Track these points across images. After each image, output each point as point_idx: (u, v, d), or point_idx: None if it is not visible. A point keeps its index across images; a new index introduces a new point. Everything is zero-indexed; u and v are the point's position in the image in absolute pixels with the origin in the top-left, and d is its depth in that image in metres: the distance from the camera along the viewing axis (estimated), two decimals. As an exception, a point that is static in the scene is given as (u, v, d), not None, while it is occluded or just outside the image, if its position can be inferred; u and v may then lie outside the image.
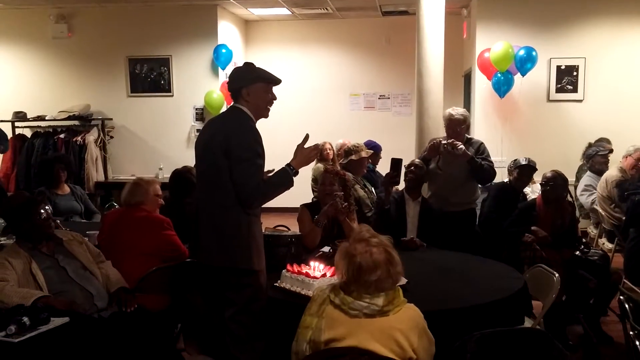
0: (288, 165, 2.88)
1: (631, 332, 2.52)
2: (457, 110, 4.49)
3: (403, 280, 2.83)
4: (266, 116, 2.95)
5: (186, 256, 3.65)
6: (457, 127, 4.41)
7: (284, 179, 2.86)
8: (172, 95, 8.37)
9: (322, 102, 9.32)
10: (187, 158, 6.92)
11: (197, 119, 8.35)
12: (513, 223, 4.39)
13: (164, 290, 3.47)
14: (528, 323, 3.12)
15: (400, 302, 2.24)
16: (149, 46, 8.32)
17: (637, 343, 2.42)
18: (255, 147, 2.79)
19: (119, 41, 8.33)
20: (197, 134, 8.29)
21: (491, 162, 4.48)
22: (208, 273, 2.93)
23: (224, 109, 8.29)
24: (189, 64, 8.31)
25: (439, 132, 6.08)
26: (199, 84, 8.28)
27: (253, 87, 2.86)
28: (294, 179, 2.88)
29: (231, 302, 2.85)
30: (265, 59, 9.32)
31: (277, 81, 2.91)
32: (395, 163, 4.19)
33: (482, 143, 4.54)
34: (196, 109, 8.34)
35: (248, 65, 2.98)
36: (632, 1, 7.21)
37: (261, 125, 2.92)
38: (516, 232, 4.29)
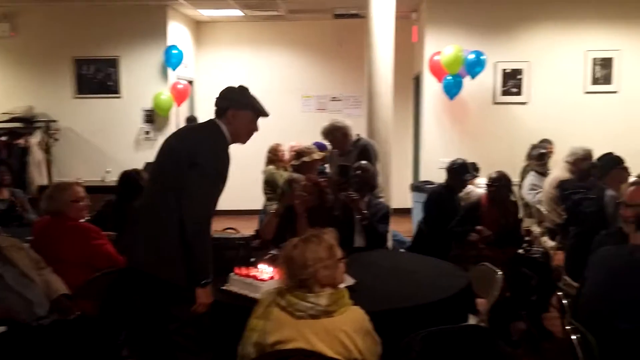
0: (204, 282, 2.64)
1: (567, 327, 2.61)
2: (324, 125, 4.85)
3: (351, 281, 2.86)
4: (243, 143, 2.86)
5: (122, 264, 3.53)
6: (327, 139, 4.86)
7: (206, 266, 2.65)
8: (120, 97, 8.19)
9: (274, 104, 9.03)
10: (136, 161, 6.78)
11: (145, 121, 8.20)
12: (459, 223, 4.49)
13: (105, 297, 3.36)
14: (473, 320, 3.19)
15: (345, 303, 2.26)
16: (96, 47, 8.11)
17: (573, 337, 2.51)
18: (220, 169, 2.69)
19: (65, 41, 8.10)
20: (146, 135, 8.19)
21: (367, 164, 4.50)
22: (149, 281, 2.71)
23: (173, 110, 8.18)
24: (138, 65, 8.15)
25: (388, 133, 6.17)
26: (148, 86, 8.12)
27: (240, 113, 2.77)
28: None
29: (175, 318, 2.71)
30: (216, 60, 9.25)
31: (265, 114, 2.85)
32: (343, 169, 4.21)
33: (366, 145, 4.59)
34: (145, 111, 8.19)
35: (243, 90, 2.87)
36: (572, 6, 7.47)
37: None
38: (462, 231, 4.39)
